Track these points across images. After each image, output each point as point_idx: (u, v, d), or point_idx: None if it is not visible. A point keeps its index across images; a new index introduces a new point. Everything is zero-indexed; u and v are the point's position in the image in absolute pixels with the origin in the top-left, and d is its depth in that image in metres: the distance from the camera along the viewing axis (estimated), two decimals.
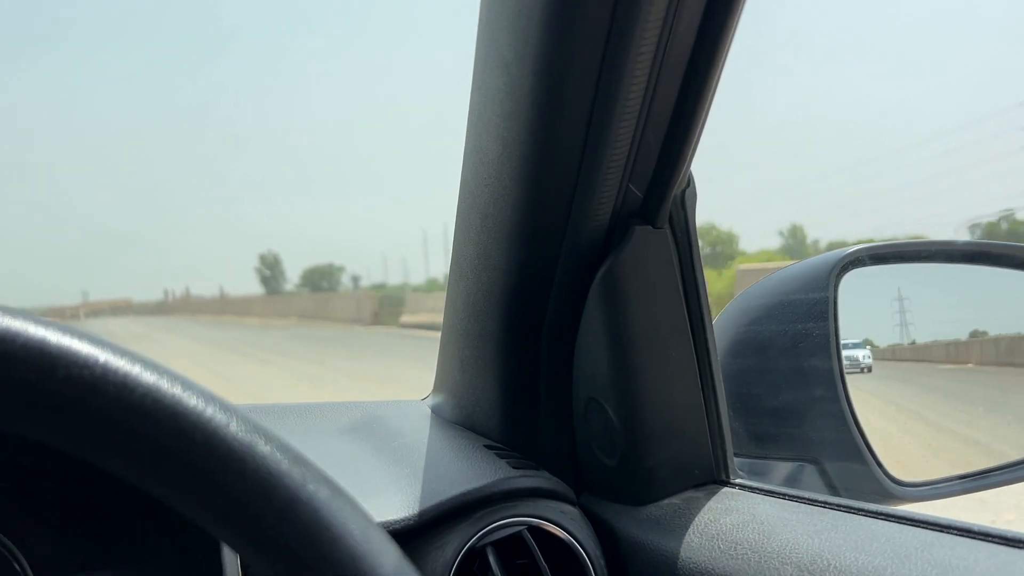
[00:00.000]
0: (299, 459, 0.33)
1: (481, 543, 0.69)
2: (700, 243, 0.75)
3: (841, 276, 0.82)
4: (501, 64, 0.65)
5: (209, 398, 0.32)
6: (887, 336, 0.97)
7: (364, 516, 0.33)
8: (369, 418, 0.99)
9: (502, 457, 0.78)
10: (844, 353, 0.89)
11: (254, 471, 0.31)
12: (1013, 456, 0.88)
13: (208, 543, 0.66)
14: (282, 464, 0.32)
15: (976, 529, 0.52)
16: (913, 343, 0.98)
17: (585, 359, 0.79)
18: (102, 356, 0.30)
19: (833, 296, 0.81)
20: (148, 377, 0.31)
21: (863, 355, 0.92)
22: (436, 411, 1.03)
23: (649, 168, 0.69)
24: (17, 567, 0.66)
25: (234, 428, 0.31)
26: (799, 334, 0.83)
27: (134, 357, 0.31)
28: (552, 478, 0.77)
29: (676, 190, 0.71)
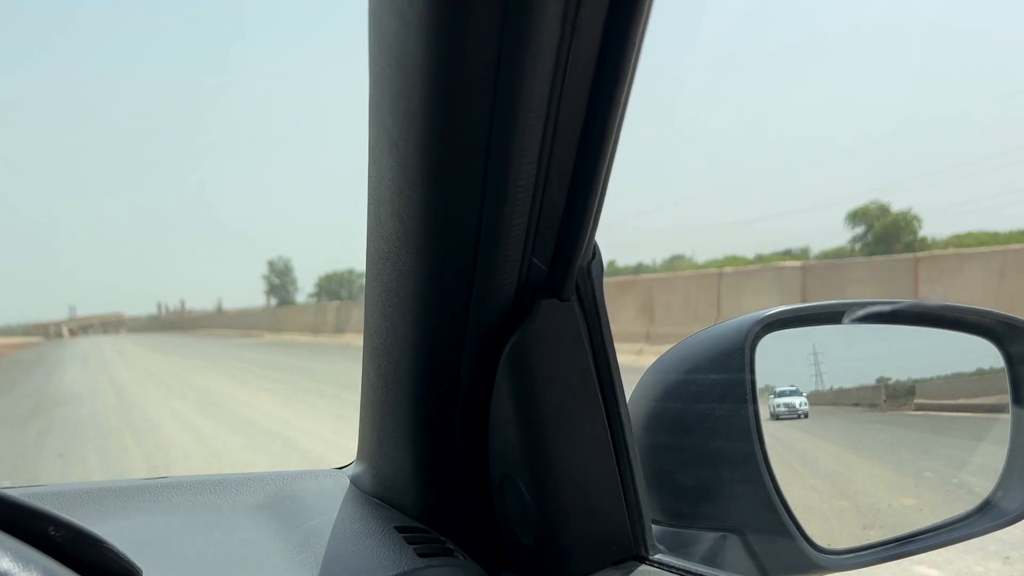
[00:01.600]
0: None
1: None
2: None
3: (754, 350, 0.81)
4: (390, 142, 0.63)
5: None
6: (807, 385, 0.97)
7: None
8: (283, 494, 0.94)
9: (412, 542, 0.75)
10: (782, 400, 0.88)
11: None
12: (936, 519, 0.87)
13: None
14: None
15: None
16: (833, 390, 0.98)
17: (498, 434, 0.76)
18: None
19: (750, 379, 0.80)
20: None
21: (800, 402, 0.92)
22: (356, 482, 0.99)
23: (551, 241, 0.67)
24: None
25: None
26: (714, 413, 0.80)
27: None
28: (463, 563, 0.73)
29: (581, 262, 0.69)
